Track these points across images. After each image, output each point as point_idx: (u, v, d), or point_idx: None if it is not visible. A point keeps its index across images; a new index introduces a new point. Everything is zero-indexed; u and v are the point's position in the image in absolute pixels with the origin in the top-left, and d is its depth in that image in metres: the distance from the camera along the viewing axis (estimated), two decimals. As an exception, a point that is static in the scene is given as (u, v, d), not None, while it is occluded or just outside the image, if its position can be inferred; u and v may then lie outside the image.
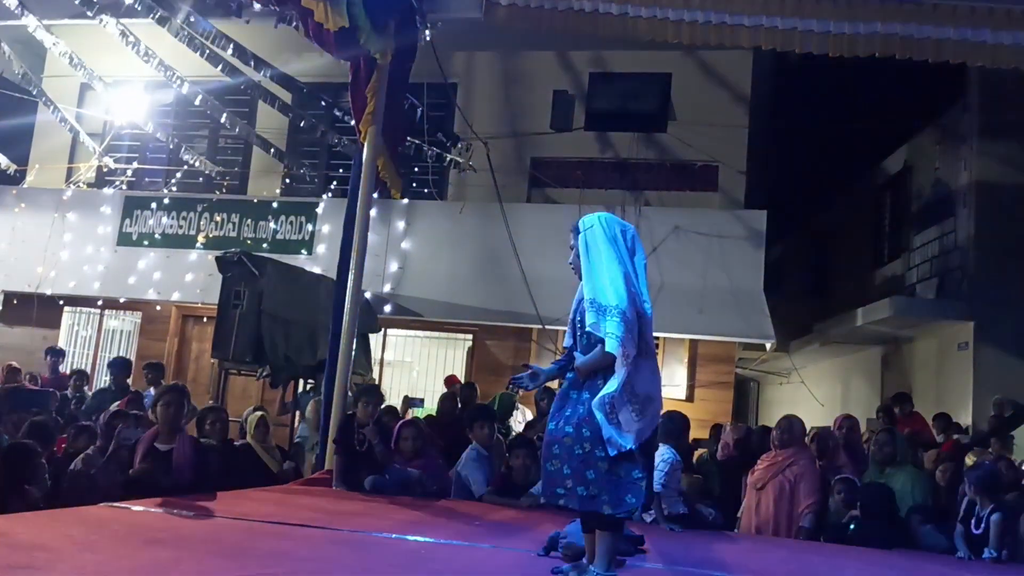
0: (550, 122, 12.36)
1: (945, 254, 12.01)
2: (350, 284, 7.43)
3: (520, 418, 9.26)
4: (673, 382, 11.43)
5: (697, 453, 8.24)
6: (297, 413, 9.17)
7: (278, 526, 4.49)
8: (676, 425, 6.29)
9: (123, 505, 4.71)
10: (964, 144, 11.73)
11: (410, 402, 9.50)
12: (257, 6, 8.64)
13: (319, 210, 12.25)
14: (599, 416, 3.39)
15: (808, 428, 7.00)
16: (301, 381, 9.36)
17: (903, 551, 5.62)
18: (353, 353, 7.48)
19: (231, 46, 10.05)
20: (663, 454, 5.91)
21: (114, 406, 7.01)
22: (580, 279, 3.69)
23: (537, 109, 12.49)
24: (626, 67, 12.43)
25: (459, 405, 8.47)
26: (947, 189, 12.14)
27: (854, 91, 13.49)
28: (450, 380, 10.29)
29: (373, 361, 11.07)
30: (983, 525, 5.49)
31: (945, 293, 11.81)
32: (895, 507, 5.93)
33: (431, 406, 9.47)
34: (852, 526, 5.82)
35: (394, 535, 4.54)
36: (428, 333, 12.20)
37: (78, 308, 13.24)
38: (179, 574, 3.10)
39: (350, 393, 7.32)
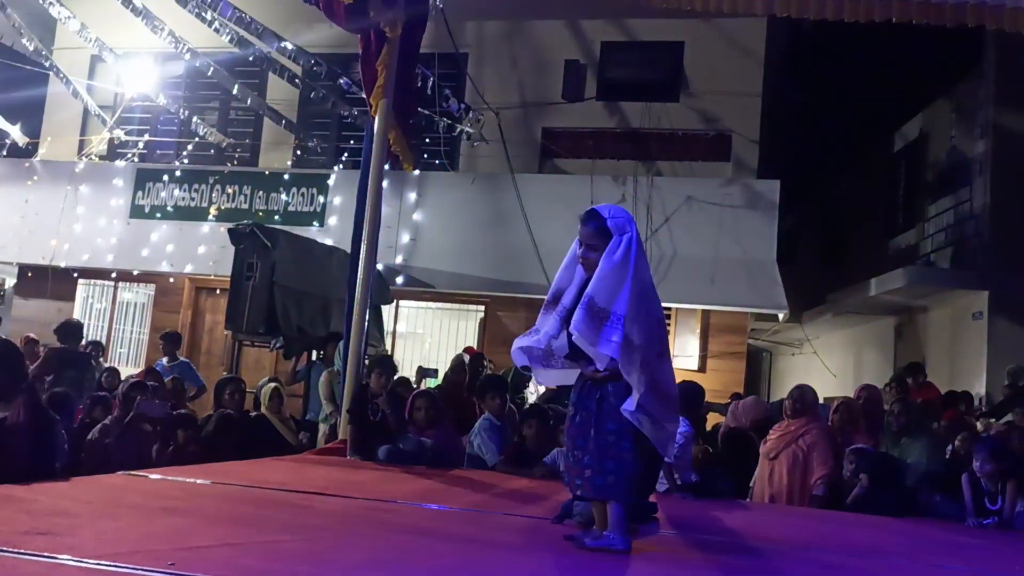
0: (561, 92, 12.26)
1: (960, 223, 11.92)
2: (363, 256, 7.42)
3: (532, 388, 9.29)
4: (685, 352, 11.44)
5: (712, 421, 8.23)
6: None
7: (293, 494, 4.53)
8: (691, 396, 6.30)
9: (140, 473, 4.76)
10: (980, 112, 11.60)
11: (424, 372, 9.52)
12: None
13: (330, 182, 12.24)
14: (642, 423, 3.42)
15: (821, 399, 6.98)
16: (314, 352, 9.41)
17: (914, 519, 5.64)
18: (366, 325, 7.50)
19: (239, 16, 10.02)
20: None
21: (132, 377, 7.05)
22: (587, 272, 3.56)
23: (548, 79, 12.40)
24: (638, 36, 12.34)
25: (468, 376, 8.48)
26: (962, 157, 12.03)
27: (869, 59, 13.33)
28: (470, 351, 10.27)
29: (385, 332, 11.11)
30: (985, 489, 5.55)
31: (960, 262, 11.74)
32: (903, 477, 5.94)
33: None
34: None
35: (409, 503, 4.58)
36: (440, 304, 12.22)
37: (92, 280, 13.31)
38: (195, 541, 3.13)
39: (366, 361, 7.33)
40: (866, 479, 5.72)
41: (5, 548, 2.63)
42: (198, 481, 4.68)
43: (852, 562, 4.10)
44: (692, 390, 6.34)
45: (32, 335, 10.00)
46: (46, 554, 2.61)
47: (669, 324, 11.62)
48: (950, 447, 6.52)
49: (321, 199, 12.23)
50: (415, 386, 8.55)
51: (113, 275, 12.98)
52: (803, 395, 6.30)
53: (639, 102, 12.11)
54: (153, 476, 4.74)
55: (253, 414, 7.45)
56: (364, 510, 4.37)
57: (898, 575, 3.86)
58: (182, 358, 9.84)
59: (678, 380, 6.53)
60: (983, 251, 11.17)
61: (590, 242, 3.55)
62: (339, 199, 11.98)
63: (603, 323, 3.39)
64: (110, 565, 2.55)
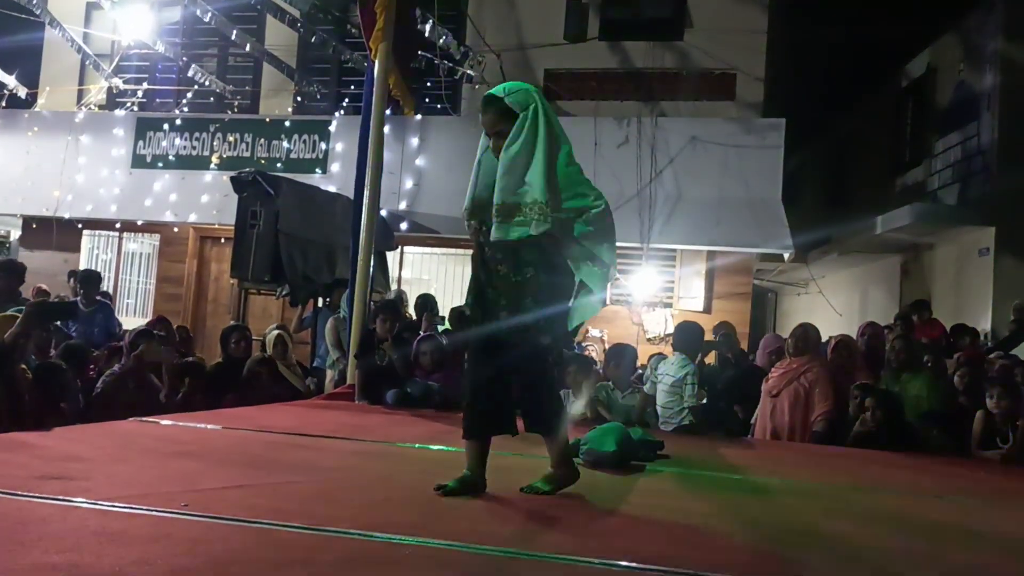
0: (563, 32, 12.09)
1: (968, 159, 11.82)
2: (366, 203, 7.39)
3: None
4: (690, 293, 11.46)
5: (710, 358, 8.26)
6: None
7: (303, 438, 4.59)
8: (694, 336, 6.36)
9: (152, 419, 4.82)
10: (989, 46, 11.43)
11: (425, 303, 9.24)
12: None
13: (332, 128, 12.16)
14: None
15: (827, 338, 7.02)
16: (320, 299, 9.43)
17: (915, 454, 5.69)
18: (371, 271, 7.49)
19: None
20: (684, 365, 5.99)
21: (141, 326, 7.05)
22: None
23: (550, 19, 12.20)
24: (641, -27, 12.12)
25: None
26: (971, 92, 11.87)
27: (876, -8, 13.11)
28: None
29: (391, 279, 11.13)
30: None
31: (967, 199, 11.67)
32: (902, 412, 5.98)
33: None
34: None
35: (417, 445, 4.64)
36: (445, 250, 12.21)
37: (97, 231, 13.33)
38: (207, 483, 3.18)
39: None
40: (881, 414, 5.75)
41: (20, 492, 2.68)
42: (209, 426, 4.74)
43: (857, 496, 4.16)
44: (695, 330, 6.42)
45: (43, 286, 9.95)
46: (61, 497, 2.66)
47: (674, 265, 11.61)
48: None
49: (323, 146, 12.16)
50: (420, 313, 8.39)
51: (117, 225, 12.98)
52: (805, 333, 6.35)
53: (642, 41, 11.94)
54: (164, 422, 4.80)
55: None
56: (373, 452, 4.43)
57: (903, 509, 3.91)
58: (102, 300, 8.81)
59: (683, 319, 6.57)
60: (991, 186, 11.09)
61: (495, 129, 3.21)
62: (341, 145, 11.91)
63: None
64: (124, 507, 2.60)
